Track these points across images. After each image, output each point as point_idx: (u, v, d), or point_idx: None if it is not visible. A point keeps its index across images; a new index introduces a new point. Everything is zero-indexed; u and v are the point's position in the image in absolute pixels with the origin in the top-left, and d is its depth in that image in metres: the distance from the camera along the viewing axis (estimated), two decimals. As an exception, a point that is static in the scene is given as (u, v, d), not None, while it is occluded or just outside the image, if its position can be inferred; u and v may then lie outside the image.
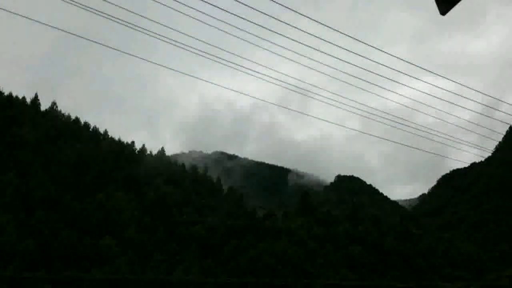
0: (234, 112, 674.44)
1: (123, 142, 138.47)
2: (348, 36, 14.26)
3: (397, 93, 19.26)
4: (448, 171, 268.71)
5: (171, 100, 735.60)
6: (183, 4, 13.72)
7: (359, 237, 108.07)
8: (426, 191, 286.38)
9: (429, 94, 18.89)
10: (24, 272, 57.27)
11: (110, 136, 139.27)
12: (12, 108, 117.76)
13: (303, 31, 14.21)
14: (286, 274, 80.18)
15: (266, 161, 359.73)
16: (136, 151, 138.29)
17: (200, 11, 14.11)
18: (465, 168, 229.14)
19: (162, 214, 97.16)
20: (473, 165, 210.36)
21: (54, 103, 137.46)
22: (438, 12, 6.67)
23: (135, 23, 15.34)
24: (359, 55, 15.13)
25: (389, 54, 15.74)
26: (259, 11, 13.16)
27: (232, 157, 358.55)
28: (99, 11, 14.26)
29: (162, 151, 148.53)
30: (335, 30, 13.92)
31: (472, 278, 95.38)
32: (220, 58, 16.86)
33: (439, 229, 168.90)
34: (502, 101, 18.25)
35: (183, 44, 16.05)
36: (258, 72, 18.00)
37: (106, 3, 13.86)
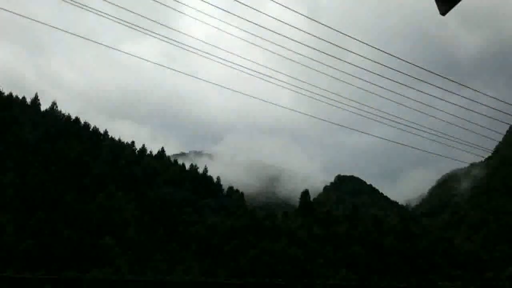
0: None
1: (123, 142, 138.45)
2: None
3: (395, 93, 19.26)
4: (448, 171, 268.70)
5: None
6: None
7: (359, 237, 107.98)
8: (426, 191, 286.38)
9: (427, 94, 18.88)
10: (24, 272, 57.27)
11: (110, 136, 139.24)
12: (12, 108, 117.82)
13: None
14: (286, 274, 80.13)
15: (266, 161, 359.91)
16: (136, 151, 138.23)
17: None
18: (465, 168, 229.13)
19: (162, 214, 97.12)
20: (473, 165, 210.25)
21: (54, 103, 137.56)
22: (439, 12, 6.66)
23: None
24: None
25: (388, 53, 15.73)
26: None
27: (232, 157, 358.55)
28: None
29: (162, 151, 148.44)
30: None
31: (472, 278, 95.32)
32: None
33: (439, 229, 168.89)
34: (502, 101, 18.25)
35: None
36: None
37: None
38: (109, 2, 14.20)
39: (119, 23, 14.82)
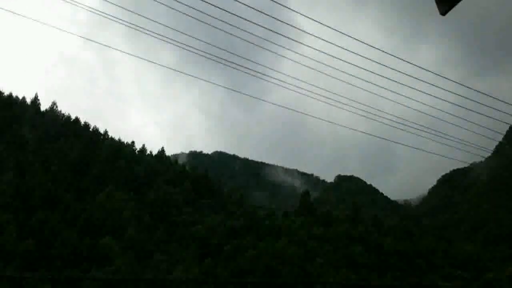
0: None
1: (123, 142, 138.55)
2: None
3: (396, 93, 19.27)
4: (448, 171, 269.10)
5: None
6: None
7: (359, 237, 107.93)
8: (426, 191, 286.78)
9: (427, 93, 18.88)
10: (24, 272, 57.30)
11: (110, 136, 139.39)
12: (12, 108, 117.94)
13: None
14: (286, 274, 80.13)
15: (267, 161, 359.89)
16: (136, 151, 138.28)
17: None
18: (465, 168, 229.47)
19: (162, 214, 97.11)
20: (473, 165, 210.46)
21: (54, 103, 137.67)
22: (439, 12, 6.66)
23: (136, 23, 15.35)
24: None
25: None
26: None
27: (232, 157, 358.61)
28: (100, 11, 14.27)
29: (162, 151, 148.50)
30: None
31: (472, 278, 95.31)
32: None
33: (439, 229, 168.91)
34: (502, 101, 18.24)
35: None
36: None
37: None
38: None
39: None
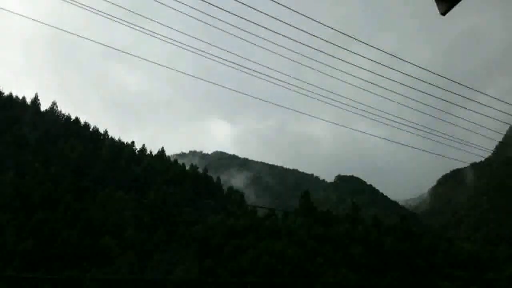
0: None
1: (123, 142, 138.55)
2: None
3: (396, 92, 19.25)
4: (448, 171, 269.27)
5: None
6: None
7: (359, 237, 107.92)
8: (426, 191, 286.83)
9: (427, 94, 18.87)
10: (24, 272, 57.31)
11: (110, 136, 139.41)
12: (12, 108, 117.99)
13: None
14: (286, 274, 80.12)
15: (266, 161, 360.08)
16: (136, 151, 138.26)
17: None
18: (465, 168, 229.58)
19: (162, 214, 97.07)
20: (473, 165, 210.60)
21: (54, 103, 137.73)
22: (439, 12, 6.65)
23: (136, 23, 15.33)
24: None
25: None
26: None
27: (232, 157, 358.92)
28: (100, 11, 14.26)
29: (162, 151, 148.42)
30: None
31: (472, 278, 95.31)
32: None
33: (439, 229, 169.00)
34: (502, 101, 18.24)
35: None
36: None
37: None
38: None
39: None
